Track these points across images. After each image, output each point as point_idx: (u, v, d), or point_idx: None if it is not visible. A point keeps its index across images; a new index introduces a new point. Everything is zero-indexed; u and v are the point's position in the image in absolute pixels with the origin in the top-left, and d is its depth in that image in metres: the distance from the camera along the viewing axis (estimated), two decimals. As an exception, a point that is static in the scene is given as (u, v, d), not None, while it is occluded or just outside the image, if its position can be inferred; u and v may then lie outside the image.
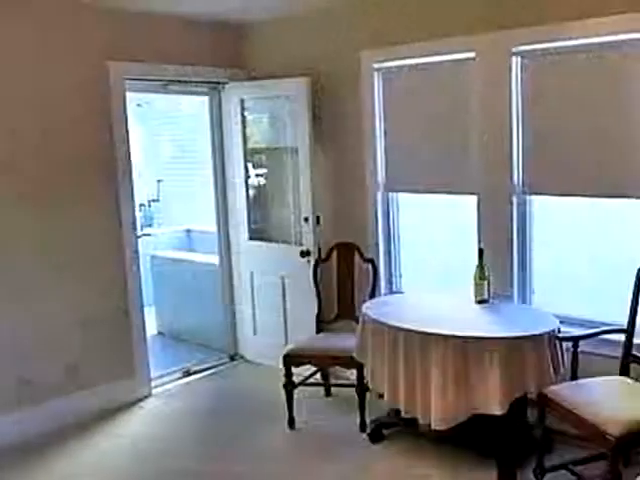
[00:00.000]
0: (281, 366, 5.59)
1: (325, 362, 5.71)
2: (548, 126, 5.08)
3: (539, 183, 5.23)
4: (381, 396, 5.01)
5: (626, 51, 4.64)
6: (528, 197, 5.31)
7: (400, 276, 6.29)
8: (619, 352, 4.60)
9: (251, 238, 7.02)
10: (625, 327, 4.60)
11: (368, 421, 5.44)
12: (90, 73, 5.86)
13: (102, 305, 6.07)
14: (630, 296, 4.59)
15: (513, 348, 4.42)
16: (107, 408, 6.01)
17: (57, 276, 5.77)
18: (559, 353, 4.65)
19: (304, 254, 6.37)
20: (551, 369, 4.53)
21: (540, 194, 5.28)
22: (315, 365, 5.79)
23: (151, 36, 6.26)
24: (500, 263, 5.36)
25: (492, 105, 5.28)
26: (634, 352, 4.57)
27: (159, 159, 10.56)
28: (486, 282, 5.20)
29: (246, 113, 6.90)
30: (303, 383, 5.78)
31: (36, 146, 5.60)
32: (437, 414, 4.51)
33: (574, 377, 4.55)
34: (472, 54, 5.34)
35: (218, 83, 6.89)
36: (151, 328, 7.73)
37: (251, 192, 7.05)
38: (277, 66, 6.56)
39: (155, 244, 9.06)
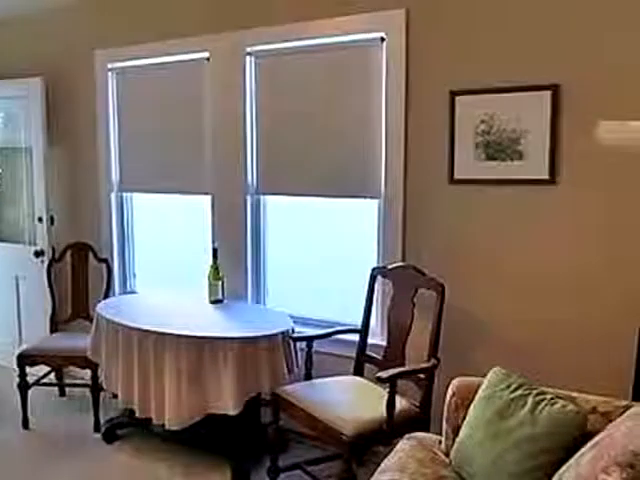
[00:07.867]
0: (15, 366, 4.87)
1: (59, 362, 4.96)
2: (281, 125, 4.49)
3: (272, 183, 4.60)
4: (116, 396, 4.33)
5: (355, 52, 4.13)
6: (262, 197, 4.70)
7: (134, 276, 5.57)
8: (354, 352, 4.08)
9: (-16, 238, 6.02)
10: (359, 327, 4.10)
11: (102, 421, 4.78)
12: None
13: None
14: (365, 296, 4.10)
15: (247, 348, 3.84)
16: None
17: None
18: (293, 353, 4.11)
19: (38, 254, 5.57)
20: (285, 369, 3.99)
21: (274, 194, 4.66)
22: (49, 365, 5.04)
23: None
24: (235, 263, 4.76)
25: (226, 105, 4.64)
26: (368, 352, 4.05)
27: None
28: (220, 282, 4.62)
29: (-21, 113, 5.89)
30: (37, 383, 5.09)
31: None
32: (171, 414, 3.92)
33: (308, 377, 3.97)
34: (206, 54, 4.68)
35: (-51, 83, 5.83)
36: None
37: (-16, 192, 6.04)
38: (12, 65, 5.74)
39: None
